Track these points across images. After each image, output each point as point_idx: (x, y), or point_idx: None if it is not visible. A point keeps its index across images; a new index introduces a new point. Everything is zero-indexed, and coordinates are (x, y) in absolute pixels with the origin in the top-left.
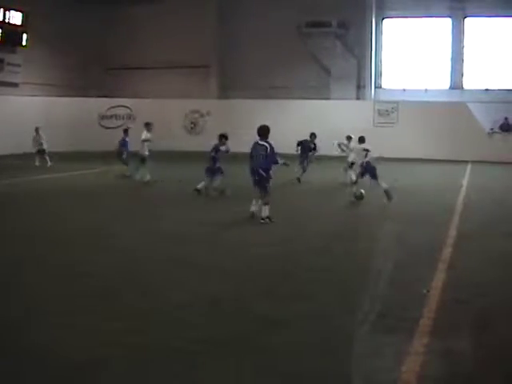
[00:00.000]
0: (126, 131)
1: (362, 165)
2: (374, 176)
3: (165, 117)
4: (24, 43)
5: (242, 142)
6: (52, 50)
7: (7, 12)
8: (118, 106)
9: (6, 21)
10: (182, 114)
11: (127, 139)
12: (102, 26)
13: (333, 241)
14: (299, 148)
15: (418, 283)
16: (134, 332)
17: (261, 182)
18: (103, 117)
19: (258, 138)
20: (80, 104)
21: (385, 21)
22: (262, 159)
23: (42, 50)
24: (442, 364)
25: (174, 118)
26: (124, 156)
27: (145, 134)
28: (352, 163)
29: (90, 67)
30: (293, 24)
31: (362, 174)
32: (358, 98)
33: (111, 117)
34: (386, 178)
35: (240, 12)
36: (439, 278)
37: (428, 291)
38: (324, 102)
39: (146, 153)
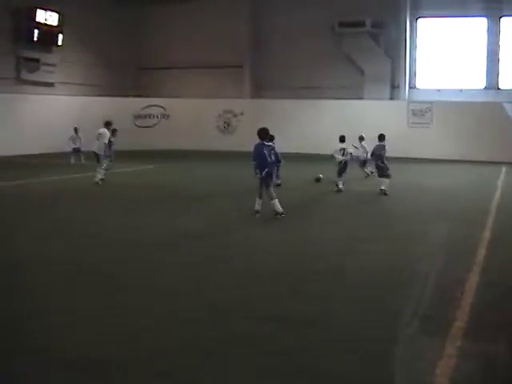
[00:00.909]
0: (114, 131)
1: (340, 163)
2: (343, 171)
3: (198, 116)
4: (60, 43)
5: (278, 141)
6: (87, 50)
7: (43, 12)
8: (153, 106)
9: (42, 21)
10: (216, 114)
11: (112, 139)
12: (136, 26)
13: (367, 241)
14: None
15: (452, 285)
16: (145, 331)
17: (270, 180)
18: (138, 116)
19: (259, 139)
20: (115, 103)
21: (419, 20)
22: (272, 159)
23: (77, 50)
24: (474, 368)
25: (207, 117)
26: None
27: (107, 134)
28: (364, 161)
29: (125, 67)
30: (327, 24)
31: (340, 173)
32: (391, 98)
33: (145, 116)
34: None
35: (274, 12)
36: (473, 280)
37: (462, 293)
38: (358, 102)
39: (103, 153)
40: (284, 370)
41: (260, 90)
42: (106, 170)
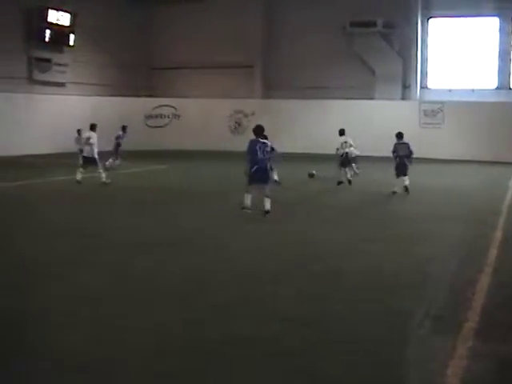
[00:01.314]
0: (124, 128)
1: (342, 155)
2: (348, 165)
3: (209, 116)
4: (71, 43)
5: (287, 141)
6: (98, 50)
7: (55, 13)
8: (164, 106)
9: (54, 21)
10: (227, 114)
11: (121, 134)
12: (148, 26)
13: (371, 242)
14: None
15: (463, 285)
16: (146, 332)
17: (267, 177)
18: (149, 116)
19: (255, 136)
20: (126, 103)
21: (431, 20)
22: (267, 156)
23: (88, 50)
24: (485, 368)
25: (218, 117)
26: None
27: (95, 137)
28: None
29: (136, 67)
30: (338, 24)
31: (343, 164)
32: (403, 99)
33: (157, 116)
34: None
35: (285, 12)
36: (484, 281)
37: (473, 294)
38: (369, 102)
39: (96, 155)
40: (284, 371)
41: (271, 89)
42: (107, 170)
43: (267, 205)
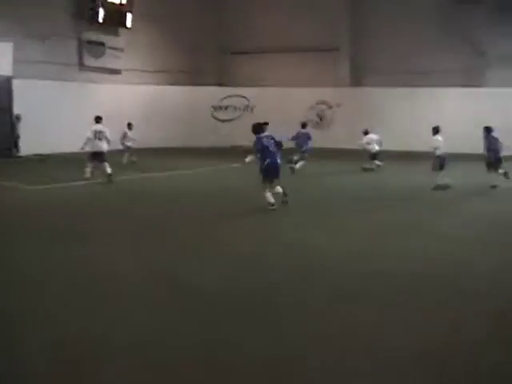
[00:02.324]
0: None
1: (439, 156)
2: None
3: (287, 108)
4: (128, 25)
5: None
6: (159, 32)
7: None
8: (235, 96)
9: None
10: (308, 106)
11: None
12: (218, 5)
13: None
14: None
15: None
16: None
17: (279, 172)
18: (217, 107)
19: (260, 134)
20: (190, 93)
21: None
22: (276, 150)
23: (147, 33)
24: None
25: (297, 109)
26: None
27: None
28: (376, 154)
29: (203, 52)
30: (435, 1)
31: (441, 166)
32: None
33: (226, 108)
34: None
35: None
36: None
37: None
38: (474, 90)
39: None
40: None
41: (360, 76)
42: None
43: (279, 189)
